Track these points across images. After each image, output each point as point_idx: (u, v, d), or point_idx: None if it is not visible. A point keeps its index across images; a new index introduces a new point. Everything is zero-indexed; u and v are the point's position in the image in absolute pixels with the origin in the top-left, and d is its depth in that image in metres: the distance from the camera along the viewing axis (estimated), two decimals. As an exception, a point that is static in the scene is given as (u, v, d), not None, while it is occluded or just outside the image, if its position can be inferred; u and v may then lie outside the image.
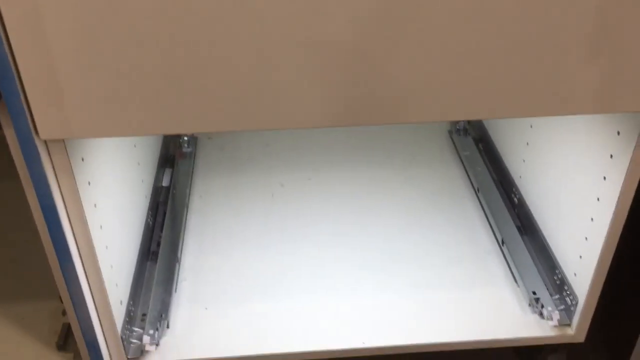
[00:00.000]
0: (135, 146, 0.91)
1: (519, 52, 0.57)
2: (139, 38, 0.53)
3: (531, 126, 0.95)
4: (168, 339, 0.82)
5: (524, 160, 0.98)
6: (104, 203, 0.73)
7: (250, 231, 1.00)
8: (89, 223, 0.67)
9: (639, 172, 0.67)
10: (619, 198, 0.70)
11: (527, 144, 0.96)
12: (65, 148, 0.60)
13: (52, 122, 0.56)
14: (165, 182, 1.07)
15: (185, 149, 1.16)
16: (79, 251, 0.68)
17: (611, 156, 0.71)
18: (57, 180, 0.62)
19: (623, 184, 0.69)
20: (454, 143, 1.19)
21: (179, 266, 0.93)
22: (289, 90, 0.57)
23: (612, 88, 0.60)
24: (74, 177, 0.63)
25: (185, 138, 1.17)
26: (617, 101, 0.61)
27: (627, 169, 0.67)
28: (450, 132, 1.22)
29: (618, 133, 0.69)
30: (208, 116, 0.58)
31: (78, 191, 0.64)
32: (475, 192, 1.07)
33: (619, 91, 0.60)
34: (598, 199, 0.75)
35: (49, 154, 0.60)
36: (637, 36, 0.57)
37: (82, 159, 0.66)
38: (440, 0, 0.54)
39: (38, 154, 0.58)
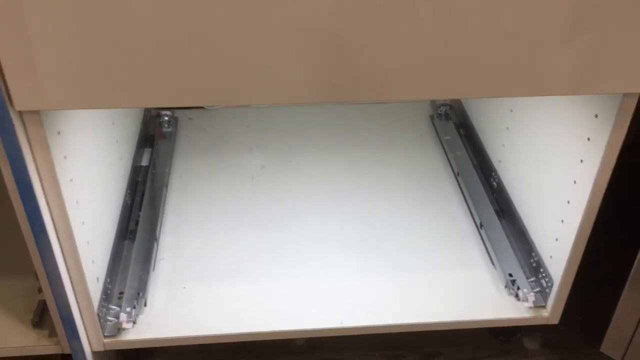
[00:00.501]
0: (113, 123, 0.90)
1: (497, 32, 0.57)
2: (115, 7, 0.52)
3: (511, 110, 0.95)
4: (145, 317, 0.82)
5: (503, 145, 0.99)
6: (80, 178, 0.72)
7: (230, 212, 1.00)
8: (65, 198, 0.66)
9: (615, 154, 0.68)
10: (595, 180, 0.71)
11: (507, 128, 0.97)
12: (41, 120, 0.59)
13: (27, 93, 0.55)
14: (144, 162, 1.06)
15: (166, 128, 1.15)
16: (54, 226, 0.67)
17: (588, 139, 0.72)
18: (33, 154, 0.61)
19: (600, 166, 0.69)
20: (435, 128, 1.20)
21: (157, 245, 0.92)
22: (272, 67, 0.57)
23: (590, 69, 0.60)
24: (50, 151, 0.62)
25: (166, 118, 1.16)
26: (595, 82, 0.61)
27: (604, 152, 0.68)
28: (431, 117, 1.22)
29: (596, 116, 0.70)
30: (188, 90, 0.57)
31: (54, 165, 0.63)
32: (455, 176, 1.08)
33: (597, 72, 0.60)
34: (575, 182, 0.75)
35: (24, 126, 0.59)
36: (615, 17, 0.57)
37: (59, 133, 0.65)
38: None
39: (12, 125, 0.57)
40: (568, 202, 0.77)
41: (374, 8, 0.55)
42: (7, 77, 0.54)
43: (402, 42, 0.57)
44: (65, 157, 0.67)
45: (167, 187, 1.04)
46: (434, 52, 0.58)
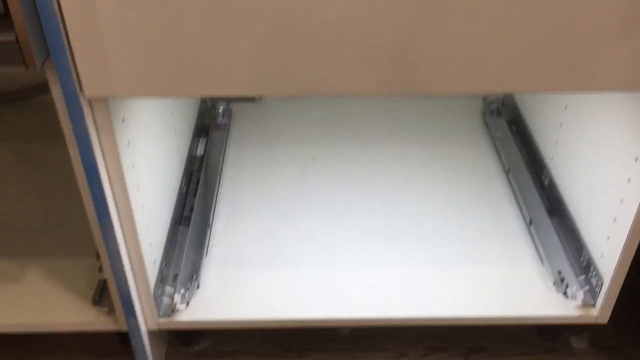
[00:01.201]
0: (172, 113, 0.94)
1: (552, 28, 0.57)
2: (182, 1, 0.55)
3: (565, 107, 0.94)
4: (198, 299, 0.85)
5: (556, 142, 0.98)
6: (141, 164, 0.75)
7: (280, 201, 1.02)
8: (127, 182, 0.69)
9: (671, 153, 0.67)
10: (649, 179, 0.70)
11: (560, 125, 0.96)
12: (108, 107, 0.63)
13: (96, 80, 0.59)
14: (199, 151, 1.09)
15: (220, 120, 1.18)
16: (117, 209, 0.71)
17: (644, 137, 0.71)
18: (99, 139, 0.65)
19: (655, 165, 0.69)
20: (486, 124, 1.19)
21: (210, 231, 0.96)
22: (329, 58, 0.59)
23: (647, 66, 0.59)
24: (115, 137, 0.65)
25: (221, 110, 1.19)
26: (652, 79, 0.60)
27: (660, 150, 0.67)
28: (483, 114, 1.22)
29: (652, 114, 0.69)
30: (246, 80, 0.60)
31: (118, 150, 0.66)
32: (506, 173, 1.08)
33: (655, 69, 0.60)
34: (629, 180, 0.74)
35: (92, 112, 0.63)
36: (675, 13, 0.56)
37: (123, 120, 0.68)
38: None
39: (82, 112, 0.61)
40: (621, 200, 0.76)
41: (431, 3, 0.56)
42: (78, 64, 0.58)
43: (457, 37, 0.58)
44: (128, 144, 0.70)
45: (220, 176, 1.07)
46: (490, 47, 0.58)
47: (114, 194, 0.70)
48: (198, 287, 0.86)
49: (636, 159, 0.73)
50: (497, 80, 0.60)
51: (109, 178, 0.68)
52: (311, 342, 0.94)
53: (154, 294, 0.80)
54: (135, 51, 0.57)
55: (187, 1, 0.55)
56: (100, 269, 0.79)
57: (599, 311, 0.82)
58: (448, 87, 0.61)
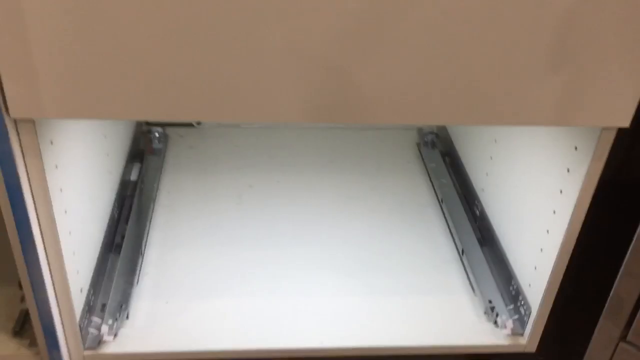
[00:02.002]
0: (105, 137, 0.92)
1: (481, 63, 0.60)
2: (117, 21, 0.54)
3: (495, 140, 0.98)
4: (127, 330, 0.82)
5: (487, 174, 1.01)
6: (70, 188, 0.73)
7: (216, 229, 1.01)
8: (54, 207, 0.67)
9: (593, 185, 0.70)
10: (573, 211, 0.73)
11: (491, 157, 0.99)
12: (35, 129, 0.60)
13: (23, 100, 0.57)
14: (133, 177, 1.07)
15: (156, 144, 1.16)
16: (42, 235, 0.68)
17: (568, 170, 0.74)
18: (25, 161, 0.62)
19: (578, 197, 0.71)
20: (421, 155, 1.22)
21: (142, 259, 0.93)
22: (265, 86, 0.59)
23: (570, 102, 0.62)
24: (42, 159, 0.63)
25: (157, 134, 1.17)
26: (575, 115, 0.63)
27: (583, 182, 0.70)
28: (418, 145, 1.24)
29: (575, 148, 0.72)
30: (182, 105, 0.59)
31: (45, 174, 0.64)
32: (439, 203, 1.10)
33: (577, 106, 0.63)
34: (554, 212, 0.77)
35: (18, 133, 0.60)
36: (596, 52, 0.60)
37: (51, 142, 0.66)
38: (407, 16, 0.56)
39: (7, 132, 0.58)
40: (547, 231, 0.79)
41: (366, 35, 0.57)
42: (4, 83, 0.56)
43: (391, 69, 0.59)
44: (56, 167, 0.68)
45: (154, 202, 1.05)
46: (422, 79, 0.60)
47: (39, 219, 0.67)
48: (127, 318, 0.83)
49: (561, 192, 0.76)
50: (429, 113, 0.62)
51: (34, 202, 0.65)
52: (244, 374, 0.92)
53: (80, 325, 0.77)
54: (64, 72, 0.56)
55: (120, 21, 0.54)
56: (23, 299, 0.76)
57: (528, 339, 0.84)
58: (381, 117, 0.62)
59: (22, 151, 0.62)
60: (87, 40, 0.55)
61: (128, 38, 0.55)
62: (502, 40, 0.58)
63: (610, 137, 0.67)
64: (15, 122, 0.59)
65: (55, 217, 0.67)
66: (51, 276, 0.71)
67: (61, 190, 0.69)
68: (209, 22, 0.55)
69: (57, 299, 0.73)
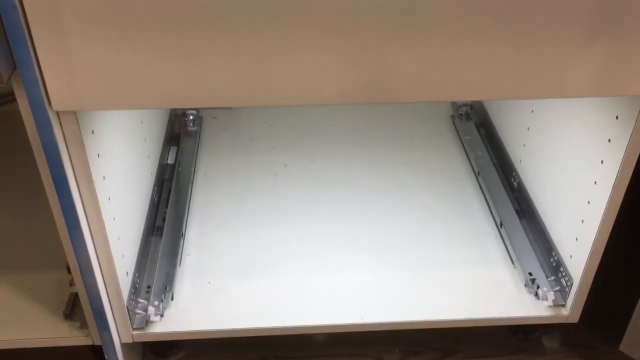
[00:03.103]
0: (142, 122, 0.93)
1: (518, 35, 0.58)
2: (152, 13, 0.55)
3: (532, 111, 0.96)
4: (172, 310, 0.84)
5: (524, 145, 1.00)
6: (112, 176, 0.74)
7: (253, 209, 1.02)
8: (97, 194, 0.68)
9: (635, 155, 0.69)
10: (615, 181, 0.71)
11: (528, 128, 0.98)
12: (77, 120, 0.62)
13: (64, 94, 0.58)
14: (170, 160, 1.09)
15: (191, 127, 1.18)
16: (87, 222, 0.70)
17: (609, 140, 0.72)
18: (68, 152, 0.64)
19: (620, 167, 0.70)
20: (456, 127, 1.21)
21: (184, 241, 0.95)
22: (299, 71, 0.59)
23: (611, 72, 0.61)
24: (85, 149, 0.64)
25: (191, 117, 1.18)
26: (617, 85, 0.62)
27: (624, 153, 0.69)
28: (452, 117, 1.23)
29: (617, 117, 0.70)
30: (215, 91, 0.59)
31: (88, 163, 0.65)
32: (476, 175, 1.09)
33: (618, 75, 0.61)
34: (595, 182, 0.76)
35: (61, 125, 0.62)
36: (634, 21, 0.58)
37: (93, 132, 0.67)
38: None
39: (50, 125, 0.60)
40: (588, 202, 0.78)
41: (399, 13, 0.56)
42: (46, 78, 0.57)
43: (426, 46, 0.58)
44: (98, 155, 0.69)
45: (192, 184, 1.06)
46: (457, 55, 0.59)
47: (84, 206, 0.69)
48: (172, 299, 0.85)
49: (602, 162, 0.74)
50: (466, 89, 0.61)
51: (79, 191, 0.67)
52: (287, 350, 0.94)
53: (127, 307, 0.79)
54: (102, 65, 0.57)
55: (156, 12, 0.55)
56: (72, 283, 0.78)
57: (570, 311, 0.84)
58: (420, 95, 0.61)
59: (65, 142, 0.63)
60: (123, 33, 0.55)
61: (160, 31, 0.55)
62: (540, 10, 0.57)
63: (653, 105, 0.65)
64: (57, 114, 0.61)
65: (100, 204, 0.69)
66: (98, 261, 0.73)
67: (104, 177, 0.71)
68: (239, 6, 0.55)
69: (104, 283, 0.75)
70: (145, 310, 0.82)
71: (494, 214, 1.01)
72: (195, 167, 1.10)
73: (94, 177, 0.67)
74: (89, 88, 0.58)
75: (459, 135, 1.19)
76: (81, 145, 0.64)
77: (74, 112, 0.61)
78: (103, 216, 0.70)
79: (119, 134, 0.80)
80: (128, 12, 0.54)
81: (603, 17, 0.58)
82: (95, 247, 0.72)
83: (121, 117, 0.81)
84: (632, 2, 0.57)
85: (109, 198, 0.73)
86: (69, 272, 0.74)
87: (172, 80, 0.58)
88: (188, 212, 1.01)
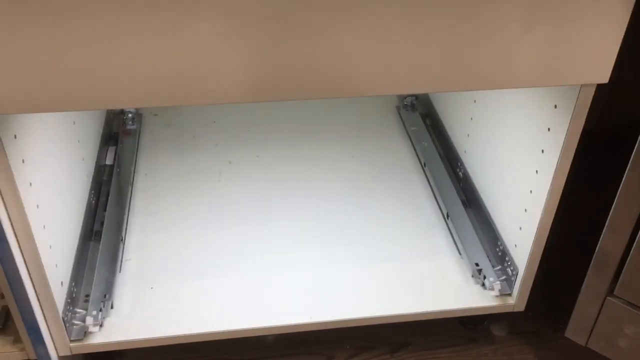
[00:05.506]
0: (74, 123, 0.89)
1: (452, 26, 0.57)
2: (67, 14, 0.51)
3: (475, 101, 0.96)
4: (112, 319, 0.81)
5: (468, 135, 1.00)
6: (40, 181, 0.70)
7: (197, 209, 0.99)
8: (24, 202, 0.64)
9: (574, 144, 0.69)
10: (556, 170, 0.72)
11: (471, 118, 0.98)
12: (-5, 125, 0.58)
13: (-23, 97, 0.54)
14: (108, 161, 1.04)
15: (130, 126, 1.13)
16: (14, 231, 0.66)
17: (549, 129, 0.73)
18: (-12, 159, 0.60)
19: (560, 156, 0.70)
20: (401, 118, 1.20)
21: (124, 245, 0.91)
22: (217, 69, 0.57)
23: (548, 61, 0.61)
24: (6, 155, 0.60)
25: (130, 115, 1.14)
26: (554, 74, 0.62)
27: (564, 141, 0.69)
28: (398, 108, 1.23)
29: (555, 107, 0.71)
30: (136, 92, 0.57)
31: (11, 169, 0.62)
32: (422, 166, 1.09)
33: (555, 64, 0.61)
34: (537, 172, 0.76)
35: (-23, 131, 0.58)
36: (569, 10, 0.58)
37: (15, 136, 0.63)
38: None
39: (-35, 131, 0.56)
40: (530, 191, 0.78)
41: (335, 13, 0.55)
42: (-44, 81, 0.53)
43: (366, 40, 0.57)
44: (23, 161, 0.65)
45: (132, 185, 1.02)
46: (396, 49, 0.58)
47: (9, 215, 0.65)
48: (112, 307, 0.82)
49: (542, 151, 0.74)
50: (407, 83, 0.60)
51: (3, 200, 0.63)
52: (236, 352, 0.91)
53: (63, 318, 0.75)
54: (20, 67, 0.53)
55: (74, 20, 0.51)
56: (2, 296, 0.74)
57: (516, 299, 0.85)
58: (361, 90, 0.60)
59: (-17, 148, 0.59)
60: (42, 34, 0.52)
61: (79, 31, 0.52)
62: (474, 2, 0.56)
63: (590, 93, 0.65)
64: (-28, 119, 0.57)
65: (27, 212, 0.65)
66: (28, 272, 0.69)
67: (30, 184, 0.67)
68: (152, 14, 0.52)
69: (37, 294, 0.72)
70: (83, 320, 0.78)
71: (440, 204, 1.01)
72: (135, 167, 1.06)
73: (18, 185, 0.63)
74: (6, 91, 0.54)
75: (404, 127, 1.18)
76: (2, 152, 0.60)
77: (-9, 117, 0.57)
78: (31, 225, 0.66)
79: (46, 137, 0.75)
80: (45, 15, 0.51)
81: (537, 7, 0.57)
82: (24, 258, 0.68)
83: (49, 118, 0.77)
84: (565, -9, 0.57)
85: (37, 205, 0.69)
86: (-2, 284, 0.70)
87: (92, 81, 0.55)
88: (128, 215, 0.97)
